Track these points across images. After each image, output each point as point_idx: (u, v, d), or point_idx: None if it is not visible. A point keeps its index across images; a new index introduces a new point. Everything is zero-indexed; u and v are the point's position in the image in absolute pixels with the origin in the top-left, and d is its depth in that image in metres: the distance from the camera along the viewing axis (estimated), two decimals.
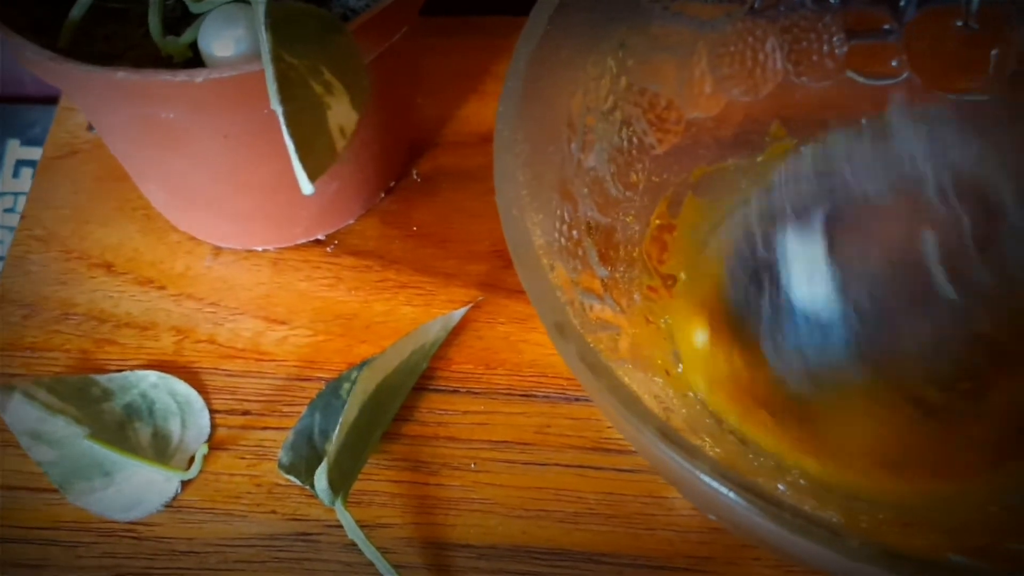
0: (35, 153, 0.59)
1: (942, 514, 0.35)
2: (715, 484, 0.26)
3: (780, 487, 0.34)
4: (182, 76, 0.34)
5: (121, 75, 0.34)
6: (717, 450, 0.34)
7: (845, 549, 0.26)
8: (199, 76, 0.34)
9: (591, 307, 0.35)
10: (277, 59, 0.31)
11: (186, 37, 0.36)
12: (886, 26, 0.41)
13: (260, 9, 0.32)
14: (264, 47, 0.31)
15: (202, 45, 0.36)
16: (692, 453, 0.27)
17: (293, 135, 0.30)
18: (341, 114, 0.33)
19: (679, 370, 0.37)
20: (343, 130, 0.33)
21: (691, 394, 0.36)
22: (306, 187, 0.31)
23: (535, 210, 0.32)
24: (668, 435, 0.27)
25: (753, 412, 0.36)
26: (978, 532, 0.34)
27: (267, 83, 0.31)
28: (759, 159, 0.42)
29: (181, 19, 0.38)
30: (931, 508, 0.35)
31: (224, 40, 0.35)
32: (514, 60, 0.34)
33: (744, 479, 0.26)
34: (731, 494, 0.26)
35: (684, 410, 0.35)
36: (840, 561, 0.26)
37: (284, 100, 0.31)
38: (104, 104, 0.38)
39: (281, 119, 0.30)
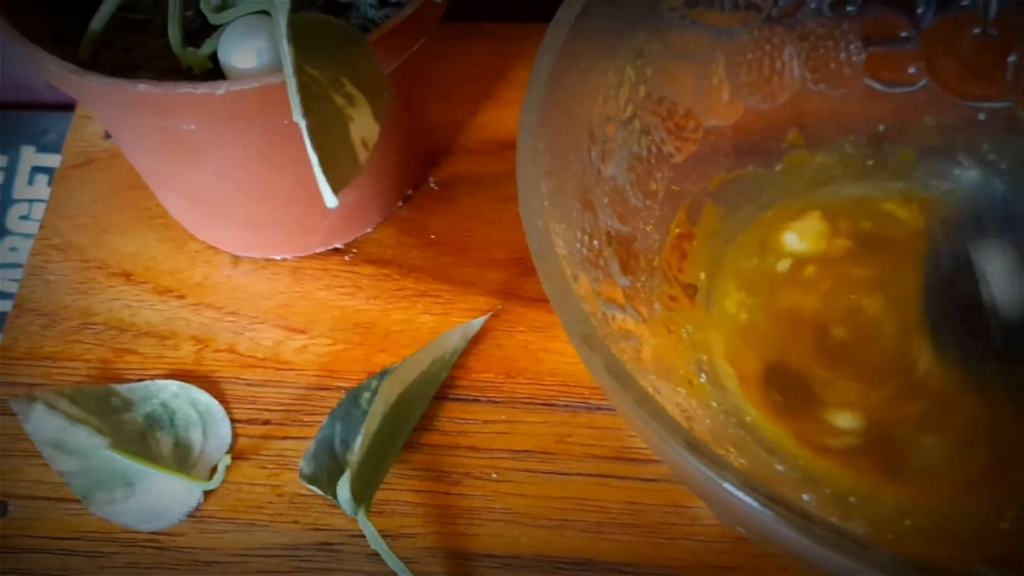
0: (50, 160, 0.59)
1: (966, 523, 0.35)
2: (743, 496, 0.26)
3: (805, 498, 0.34)
4: (203, 89, 0.34)
5: (142, 88, 0.34)
6: (742, 461, 0.34)
7: (875, 562, 0.25)
8: (220, 89, 0.34)
9: (613, 317, 0.35)
10: (299, 71, 0.31)
11: (206, 48, 0.36)
12: (904, 33, 0.41)
13: (282, 21, 0.32)
14: (286, 60, 0.31)
15: (222, 57, 0.36)
16: (719, 464, 0.27)
17: (317, 148, 0.30)
18: (363, 126, 0.33)
19: (702, 380, 0.37)
20: (365, 143, 0.33)
21: (714, 404, 0.36)
22: (330, 200, 0.31)
23: (557, 220, 0.32)
24: (695, 446, 0.27)
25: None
26: (1003, 542, 0.34)
27: (290, 96, 0.31)
28: (778, 168, 0.42)
29: (201, 30, 0.38)
30: (955, 517, 0.35)
31: (245, 52, 0.35)
32: (535, 70, 0.34)
33: (771, 491, 0.26)
34: (759, 506, 0.26)
35: (708, 420, 0.35)
36: (870, 574, 0.26)
37: (307, 113, 0.31)
38: (124, 116, 0.38)
39: (305, 133, 0.30)
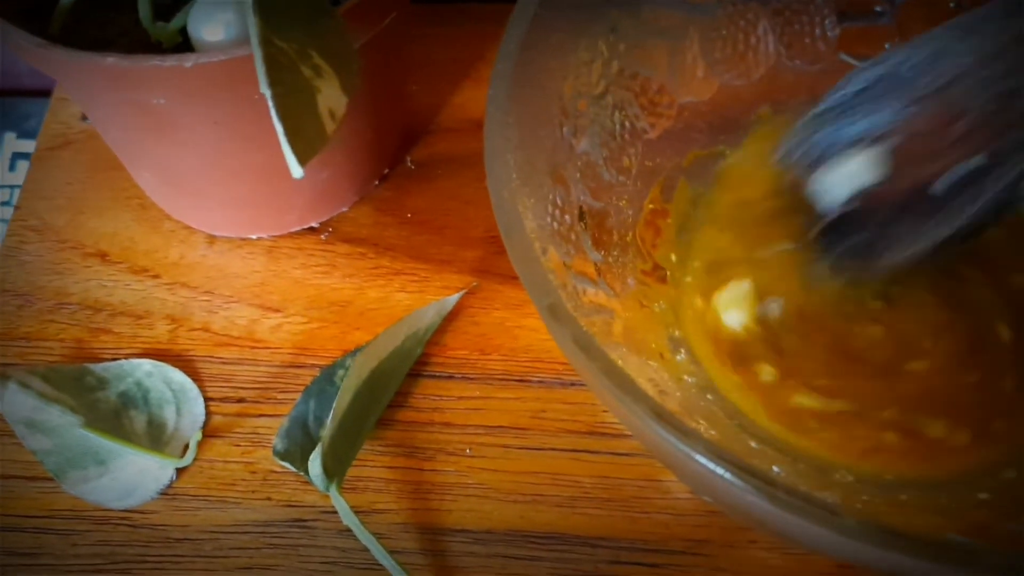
0: (31, 146, 0.59)
1: (940, 494, 0.35)
2: (710, 464, 0.26)
3: (776, 469, 0.34)
4: (171, 61, 0.33)
5: (110, 61, 0.34)
6: (713, 432, 0.34)
7: (841, 528, 0.25)
8: (188, 61, 0.34)
9: (584, 291, 0.34)
10: (266, 43, 0.31)
11: (176, 22, 0.36)
12: (878, 8, 0.41)
13: None
14: (252, 31, 0.31)
15: (192, 30, 0.36)
16: (687, 434, 0.27)
17: (282, 119, 0.30)
18: (331, 97, 0.32)
19: (680, 357, 0.37)
20: (333, 113, 0.32)
21: (687, 378, 0.36)
22: (296, 171, 0.30)
23: (527, 194, 0.32)
24: (663, 416, 0.27)
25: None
26: (977, 512, 0.34)
27: (256, 67, 0.31)
28: (744, 141, 0.42)
29: (172, 5, 0.38)
30: (929, 488, 0.35)
31: (213, 25, 0.35)
32: (504, 42, 0.33)
33: (739, 459, 0.26)
34: (726, 474, 0.26)
35: (679, 393, 0.35)
36: (837, 541, 0.25)
37: (273, 84, 0.30)
38: (95, 91, 0.37)
39: (270, 102, 0.30)
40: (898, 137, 0.34)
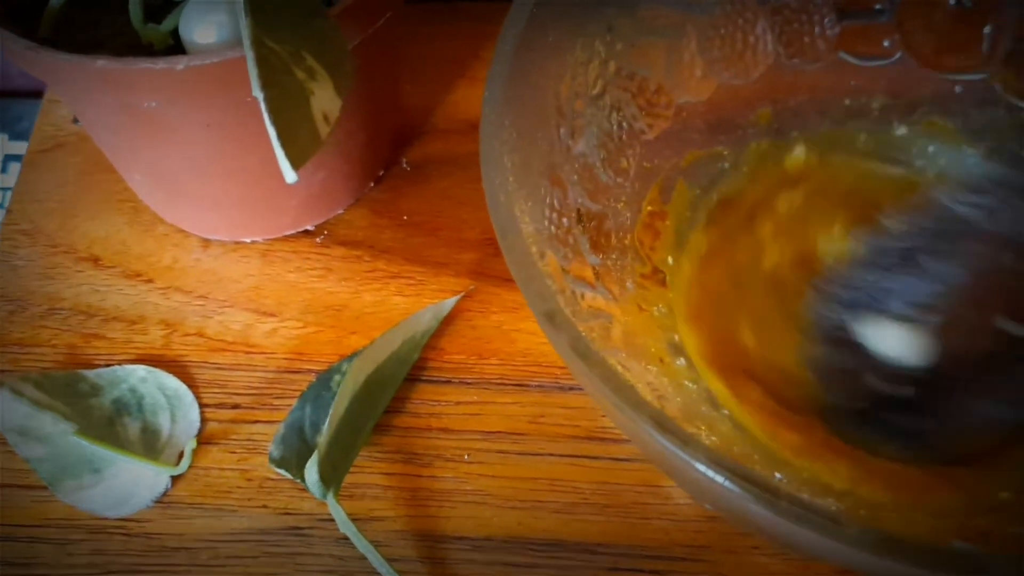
0: (24, 148, 0.58)
1: (944, 500, 0.34)
2: (709, 472, 0.26)
3: (777, 475, 0.33)
4: (162, 64, 0.33)
5: (101, 63, 0.33)
6: (713, 438, 0.34)
7: (843, 536, 0.25)
8: (179, 64, 0.33)
9: (583, 295, 0.34)
10: (258, 44, 0.31)
11: (167, 24, 0.36)
12: (878, 6, 0.40)
13: None
14: (245, 32, 0.30)
15: (183, 32, 0.35)
16: (686, 441, 0.26)
17: (275, 122, 0.30)
18: (325, 100, 0.32)
19: (680, 363, 0.36)
20: (327, 116, 0.32)
21: (688, 383, 0.36)
22: (289, 175, 0.30)
23: (523, 198, 0.32)
24: (662, 423, 0.27)
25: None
26: (981, 518, 0.33)
27: (248, 69, 0.30)
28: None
29: (163, 6, 0.37)
30: (934, 495, 0.34)
31: (205, 26, 0.35)
32: (500, 43, 0.33)
33: (739, 466, 0.26)
34: (726, 482, 0.26)
35: (679, 398, 0.35)
36: (839, 549, 0.25)
37: (265, 86, 0.30)
38: (85, 94, 0.37)
39: (263, 106, 0.30)
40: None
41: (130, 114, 0.37)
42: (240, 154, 0.39)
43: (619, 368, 0.32)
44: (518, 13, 0.33)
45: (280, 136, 0.30)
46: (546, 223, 0.34)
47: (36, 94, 0.56)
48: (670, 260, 0.39)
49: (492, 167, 0.31)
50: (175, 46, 0.36)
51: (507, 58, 0.33)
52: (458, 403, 0.40)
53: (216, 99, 0.35)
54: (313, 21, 0.33)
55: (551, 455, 0.39)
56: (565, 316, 0.28)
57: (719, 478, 0.26)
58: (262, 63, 0.30)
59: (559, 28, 0.35)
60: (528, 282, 0.29)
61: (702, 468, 0.26)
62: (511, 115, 0.32)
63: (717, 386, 0.36)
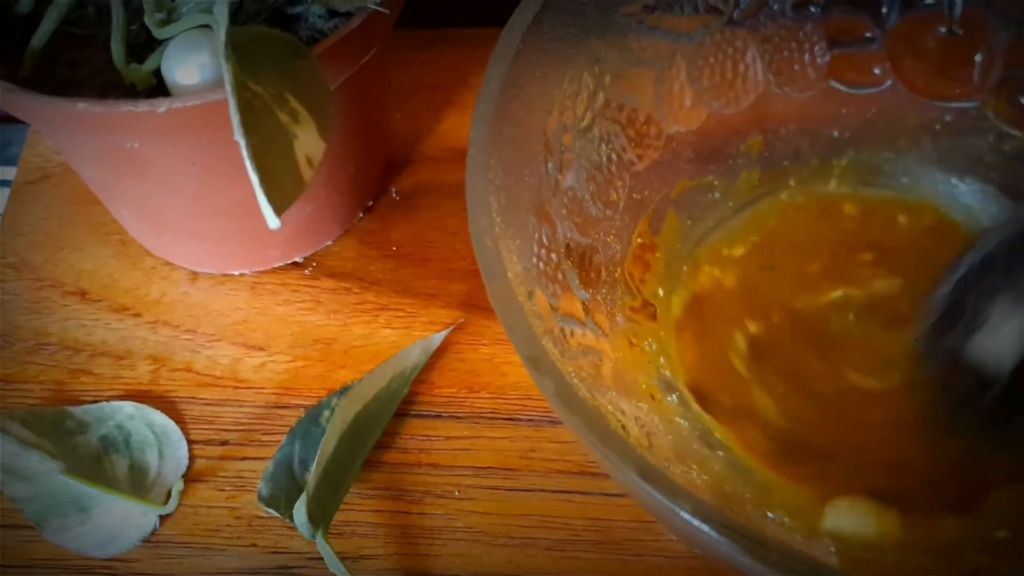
0: (13, 173, 0.58)
1: (940, 538, 0.34)
2: (696, 523, 0.26)
3: (769, 515, 0.33)
4: (144, 106, 0.33)
5: (82, 106, 0.33)
6: (704, 477, 0.34)
7: None
8: (161, 106, 0.33)
9: (572, 333, 0.34)
10: (241, 88, 0.30)
11: (149, 64, 0.35)
12: (868, 34, 0.40)
13: (221, 36, 0.31)
14: (227, 78, 0.30)
15: (166, 73, 0.35)
16: (673, 491, 0.26)
17: (258, 168, 0.29)
18: (308, 143, 0.32)
19: (672, 399, 0.36)
20: (310, 160, 0.32)
21: (679, 419, 0.36)
22: (272, 221, 0.30)
23: (511, 236, 0.31)
24: (648, 473, 0.26)
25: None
26: (973, 556, 0.33)
27: (231, 115, 0.30)
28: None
29: (146, 45, 0.37)
30: (931, 535, 0.34)
31: (188, 67, 0.34)
32: (486, 82, 0.33)
33: (726, 518, 0.26)
34: (713, 533, 0.26)
35: (670, 436, 0.34)
36: None
37: (248, 131, 0.30)
38: (68, 134, 0.37)
39: (244, 152, 0.29)
40: None
41: (113, 153, 0.37)
42: (226, 190, 0.39)
43: (608, 408, 0.32)
44: (504, 48, 0.33)
45: (263, 183, 0.29)
46: (534, 260, 0.33)
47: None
48: (661, 292, 0.39)
49: (478, 209, 0.31)
50: (158, 86, 0.36)
51: (493, 96, 0.32)
52: (448, 438, 0.40)
53: (200, 138, 0.35)
54: (296, 61, 0.33)
55: (542, 491, 0.38)
56: (550, 362, 0.28)
57: (704, 527, 0.26)
58: (244, 107, 0.30)
59: (546, 62, 0.35)
60: (514, 328, 0.29)
61: (688, 518, 0.26)
62: (498, 154, 0.32)
63: (708, 420, 0.36)
